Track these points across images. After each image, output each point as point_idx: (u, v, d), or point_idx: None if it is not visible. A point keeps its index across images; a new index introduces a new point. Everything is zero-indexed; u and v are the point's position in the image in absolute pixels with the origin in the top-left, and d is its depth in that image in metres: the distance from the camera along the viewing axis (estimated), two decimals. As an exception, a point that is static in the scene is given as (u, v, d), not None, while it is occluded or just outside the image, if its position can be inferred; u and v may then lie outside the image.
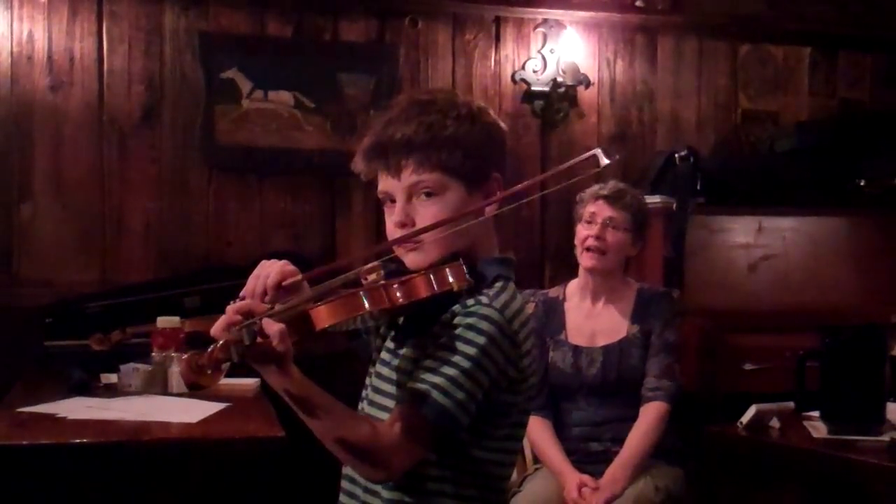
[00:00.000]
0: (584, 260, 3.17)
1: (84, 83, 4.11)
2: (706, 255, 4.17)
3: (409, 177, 1.66)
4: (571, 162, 1.70)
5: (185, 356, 1.45)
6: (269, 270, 1.60)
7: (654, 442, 3.02)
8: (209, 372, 1.45)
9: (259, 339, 1.45)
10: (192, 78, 4.21)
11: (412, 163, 1.65)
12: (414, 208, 1.66)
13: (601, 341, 3.15)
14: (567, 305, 3.24)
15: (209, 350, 1.44)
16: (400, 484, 1.64)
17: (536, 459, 3.17)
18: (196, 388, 1.48)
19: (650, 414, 3.04)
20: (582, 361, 3.13)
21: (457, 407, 1.54)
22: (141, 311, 3.48)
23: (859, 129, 4.61)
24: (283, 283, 1.58)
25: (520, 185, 1.70)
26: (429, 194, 1.65)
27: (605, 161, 1.63)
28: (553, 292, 3.30)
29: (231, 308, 1.52)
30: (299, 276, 1.59)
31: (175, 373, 2.97)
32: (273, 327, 1.46)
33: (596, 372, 3.11)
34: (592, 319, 3.20)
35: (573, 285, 3.28)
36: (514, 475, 3.16)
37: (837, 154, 4.46)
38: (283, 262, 1.62)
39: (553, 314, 3.22)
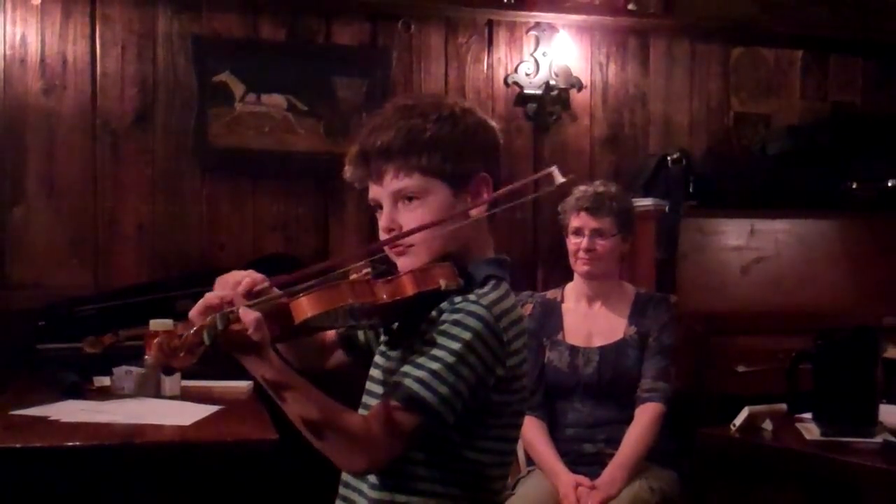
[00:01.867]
0: (579, 267, 3.20)
1: (77, 86, 4.11)
2: (698, 258, 4.17)
3: (390, 182, 1.67)
4: (528, 179, 1.72)
5: (157, 339, 1.45)
6: (238, 278, 1.58)
7: (650, 443, 3.04)
8: (181, 354, 1.45)
9: (234, 327, 1.46)
10: (184, 81, 4.21)
11: (392, 168, 1.67)
12: (399, 213, 1.68)
13: (598, 342, 3.17)
14: (565, 307, 3.26)
15: (183, 334, 1.45)
16: (390, 483, 1.64)
17: (530, 461, 3.18)
18: (168, 372, 1.49)
19: (646, 415, 3.06)
20: (579, 361, 3.14)
21: (440, 401, 1.54)
22: (134, 314, 3.47)
23: (851, 132, 4.62)
24: (253, 290, 1.56)
25: (501, 190, 1.71)
26: (411, 198, 1.67)
27: (560, 179, 1.65)
28: (551, 294, 3.32)
29: (210, 294, 1.53)
30: (267, 283, 1.58)
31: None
32: (249, 316, 1.47)
33: (592, 371, 3.12)
34: (589, 320, 3.22)
35: (570, 288, 3.30)
36: (523, 467, 3.18)
37: (829, 157, 4.48)
38: (250, 271, 1.60)
39: (551, 315, 3.24)
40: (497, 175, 1.74)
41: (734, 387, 3.79)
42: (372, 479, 1.66)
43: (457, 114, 1.70)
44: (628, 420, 3.08)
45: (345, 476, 1.75)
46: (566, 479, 2.98)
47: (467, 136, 1.69)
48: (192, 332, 1.45)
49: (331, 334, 1.93)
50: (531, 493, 3.04)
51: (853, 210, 4.40)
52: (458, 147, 1.67)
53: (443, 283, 1.59)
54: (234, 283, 1.57)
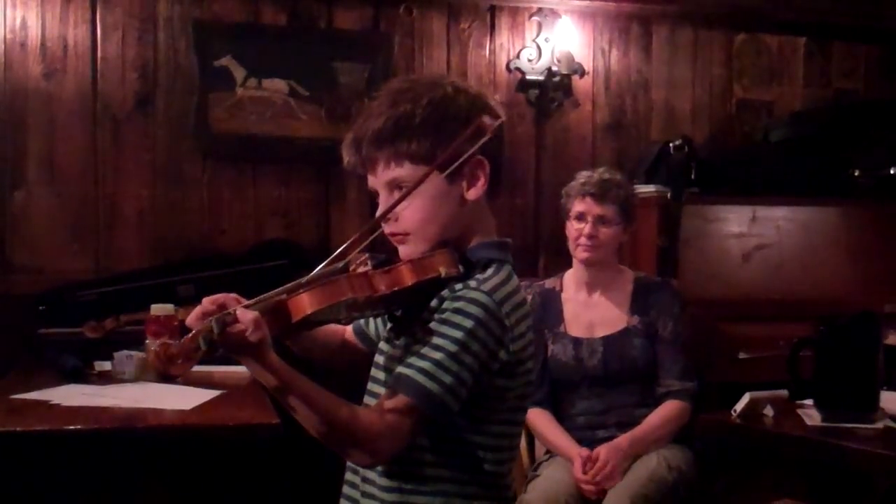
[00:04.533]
0: (579, 253, 3.18)
1: (77, 70, 4.10)
2: (700, 245, 4.16)
3: (382, 172, 1.65)
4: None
5: (155, 346, 1.44)
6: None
7: (670, 433, 3.07)
8: (179, 361, 1.44)
9: (231, 329, 1.45)
10: (185, 66, 4.20)
11: (382, 157, 1.64)
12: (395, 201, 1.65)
13: (600, 332, 3.15)
14: (564, 296, 3.25)
15: (181, 340, 1.44)
16: (397, 471, 1.63)
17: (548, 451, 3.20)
18: (166, 378, 1.47)
19: (673, 410, 3.08)
20: (583, 352, 3.13)
21: (444, 391, 1.53)
22: (135, 299, 3.48)
23: (853, 119, 4.61)
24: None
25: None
26: (403, 187, 1.64)
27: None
28: (549, 283, 3.30)
29: (207, 299, 1.53)
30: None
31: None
32: (247, 316, 1.45)
33: (597, 363, 3.12)
34: (590, 310, 3.20)
35: (569, 276, 3.28)
36: (526, 462, 3.21)
37: (832, 144, 4.46)
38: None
39: (550, 306, 3.22)
40: (497, 155, 1.69)
41: (735, 374, 3.78)
42: (380, 466, 1.65)
43: (449, 95, 1.65)
44: (639, 403, 3.11)
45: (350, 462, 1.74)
46: (575, 453, 2.99)
47: (460, 119, 1.64)
48: (188, 337, 1.44)
49: (349, 330, 1.93)
50: (553, 476, 3.03)
51: (856, 197, 4.38)
52: (451, 132, 1.63)
53: (442, 270, 1.58)
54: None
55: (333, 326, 1.93)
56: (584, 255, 3.16)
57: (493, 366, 1.59)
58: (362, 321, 1.90)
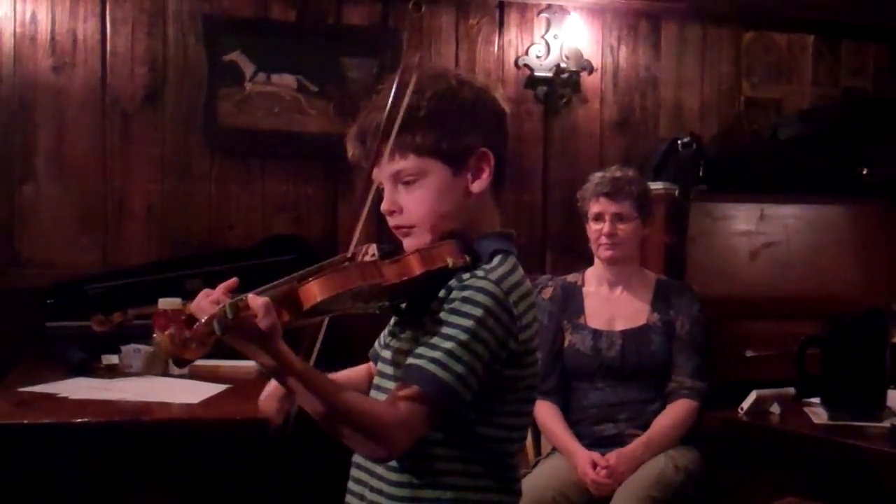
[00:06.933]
0: (601, 253, 3.21)
1: (87, 64, 4.11)
2: (708, 242, 4.16)
3: (387, 164, 1.65)
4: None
5: (168, 331, 1.43)
6: None
7: (680, 435, 3.07)
8: (193, 346, 1.43)
9: (242, 314, 1.44)
10: (195, 60, 4.21)
11: (386, 150, 1.64)
12: (400, 195, 1.66)
13: (620, 326, 3.18)
14: (585, 290, 3.28)
15: (195, 325, 1.44)
16: (408, 465, 1.61)
17: (538, 451, 3.20)
18: (180, 363, 1.47)
19: (683, 410, 3.08)
20: (602, 344, 3.16)
21: (456, 381, 1.52)
22: (142, 293, 3.48)
23: (862, 117, 4.60)
24: None
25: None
26: (409, 181, 1.65)
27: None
28: (571, 278, 3.33)
29: (221, 285, 1.52)
30: None
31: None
32: (257, 301, 1.44)
33: (615, 355, 3.14)
34: (611, 304, 3.23)
35: (591, 273, 3.31)
36: (532, 455, 3.21)
37: (840, 142, 4.46)
38: None
39: (572, 298, 3.25)
40: (501, 148, 1.70)
41: (742, 372, 3.78)
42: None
43: (454, 88, 1.65)
44: (650, 401, 3.12)
45: (356, 458, 1.73)
46: (582, 456, 3.00)
47: (464, 111, 1.64)
48: (202, 322, 1.43)
49: (371, 371, 1.89)
50: (550, 472, 3.04)
51: (863, 196, 4.38)
52: (455, 124, 1.63)
53: (450, 260, 1.58)
54: None
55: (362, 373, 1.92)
56: (608, 253, 3.19)
57: (501, 355, 1.58)
58: (377, 345, 1.89)
